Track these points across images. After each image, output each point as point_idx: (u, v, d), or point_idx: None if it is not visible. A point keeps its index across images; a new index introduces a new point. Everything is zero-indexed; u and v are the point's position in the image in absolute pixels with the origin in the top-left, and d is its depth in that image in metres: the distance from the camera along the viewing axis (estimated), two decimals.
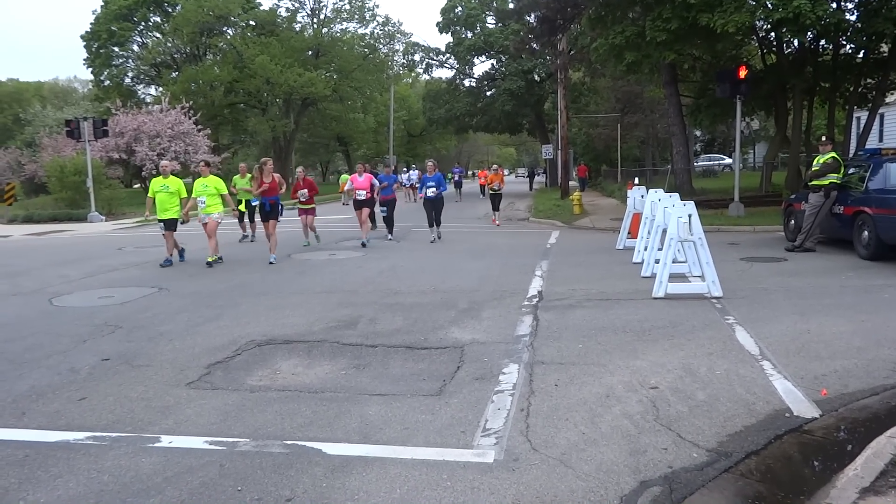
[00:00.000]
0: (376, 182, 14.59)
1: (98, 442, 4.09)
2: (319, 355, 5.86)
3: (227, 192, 12.05)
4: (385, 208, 15.33)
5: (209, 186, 11.84)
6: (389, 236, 15.38)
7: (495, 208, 19.81)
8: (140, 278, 10.41)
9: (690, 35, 17.20)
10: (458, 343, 6.09)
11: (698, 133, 48.31)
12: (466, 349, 5.88)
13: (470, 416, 4.32)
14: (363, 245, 13.71)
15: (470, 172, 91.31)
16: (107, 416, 4.51)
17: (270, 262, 11.38)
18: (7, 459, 3.86)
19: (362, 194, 14.28)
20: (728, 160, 45.40)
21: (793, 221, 12.53)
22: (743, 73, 17.21)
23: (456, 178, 38.41)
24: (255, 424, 4.30)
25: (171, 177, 11.99)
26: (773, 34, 19.97)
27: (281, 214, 11.98)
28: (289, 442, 4.01)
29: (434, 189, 14.82)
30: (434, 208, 14.94)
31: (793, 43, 20.23)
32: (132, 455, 3.88)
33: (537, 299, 8.04)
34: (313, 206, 14.13)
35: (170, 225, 11.86)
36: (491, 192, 19.94)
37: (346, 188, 14.22)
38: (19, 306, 8.44)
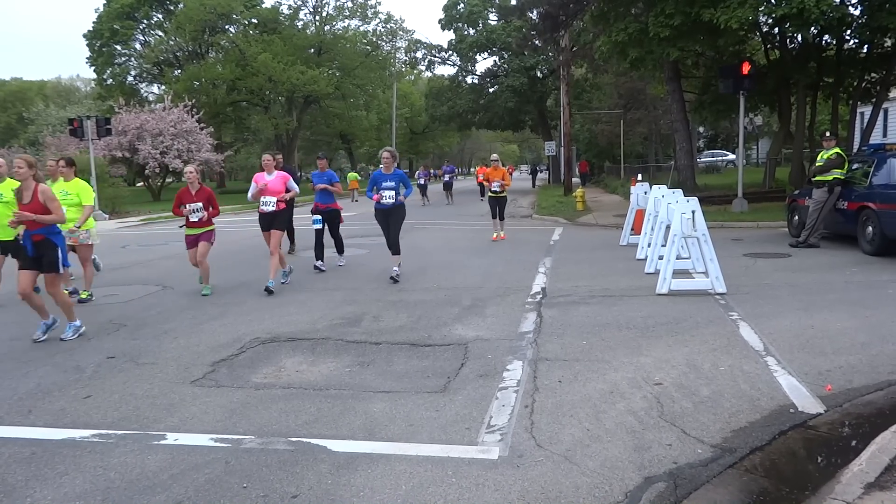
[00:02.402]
0: (294, 185, 9.65)
1: (104, 440, 4.10)
2: (324, 353, 5.87)
3: (92, 202, 8.70)
4: (319, 218, 10.51)
5: (70, 194, 8.50)
6: (340, 261, 11.01)
7: (497, 216, 14.36)
8: (144, 276, 10.43)
9: (693, 31, 17.17)
10: (462, 340, 6.10)
11: (701, 129, 48.24)
12: (470, 346, 5.89)
13: (474, 413, 4.33)
14: (267, 291, 8.56)
15: (471, 170, 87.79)
16: (112, 414, 4.52)
17: (34, 340, 6.52)
18: (14, 457, 3.88)
19: (270, 204, 9.11)
20: (731, 156, 45.34)
21: (797, 217, 12.51)
22: (746, 68, 17.17)
23: (446, 178, 31.51)
24: (261, 422, 4.31)
25: (9, 180, 8.21)
26: (776, 29, 19.90)
27: (64, 265, 6.74)
28: (294, 439, 4.02)
29: (392, 194, 9.42)
30: (390, 223, 9.58)
31: (796, 38, 20.16)
32: (138, 452, 3.90)
33: (541, 296, 8.05)
34: (211, 228, 8.86)
35: (9, 249, 8.16)
36: (491, 194, 14.41)
37: (250, 193, 9.36)
38: (24, 305, 8.45)
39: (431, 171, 33.35)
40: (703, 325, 6.37)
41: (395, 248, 9.63)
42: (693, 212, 7.90)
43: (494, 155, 14.90)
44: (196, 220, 8.69)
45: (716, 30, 16.19)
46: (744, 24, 16.19)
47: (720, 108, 24.04)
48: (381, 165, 9.69)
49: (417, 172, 32.74)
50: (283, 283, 9.20)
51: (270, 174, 9.27)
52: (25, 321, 7.43)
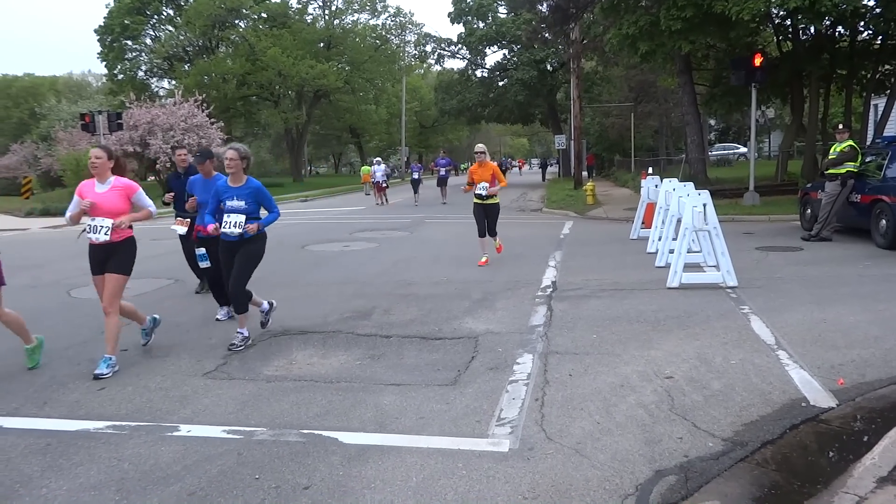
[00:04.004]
0: (144, 202, 5.70)
1: (118, 431, 4.15)
2: (334, 345, 5.90)
3: None
4: (204, 252, 6.88)
5: None
6: (220, 313, 7.14)
7: (484, 231, 10.12)
8: (155, 270, 10.50)
9: (705, 23, 17.01)
10: (473, 333, 6.11)
11: (713, 122, 47.93)
12: (481, 339, 5.90)
13: (485, 406, 4.34)
14: (96, 377, 5.19)
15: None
16: (126, 406, 4.57)
17: None
18: (30, 448, 3.93)
19: (101, 230, 5.48)
20: (743, 149, 45.00)
21: (809, 210, 12.42)
22: (758, 60, 17.02)
23: (442, 172, 26.54)
24: (272, 414, 4.34)
25: None
26: (788, 21, 19.72)
27: None
28: (305, 431, 4.05)
29: (240, 220, 5.85)
30: (238, 262, 5.94)
31: (809, 29, 19.97)
32: (151, 444, 3.93)
33: (551, 290, 8.04)
34: None
35: None
36: (476, 199, 10.03)
37: (68, 213, 5.71)
38: (38, 298, 8.55)
39: (441, 162, 28.01)
40: (715, 319, 6.34)
41: (240, 297, 5.98)
42: (704, 205, 7.86)
43: (480, 145, 10.27)
44: None
45: (728, 22, 16.05)
46: (756, 15, 16.03)
47: (732, 101, 23.85)
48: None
49: (411, 166, 29.84)
50: (143, 344, 6.08)
51: (104, 182, 5.57)
52: (36, 316, 7.51)
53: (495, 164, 11.02)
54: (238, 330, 6.02)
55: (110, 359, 5.36)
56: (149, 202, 5.73)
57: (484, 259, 10.09)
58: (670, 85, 30.79)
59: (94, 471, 3.62)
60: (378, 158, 30.98)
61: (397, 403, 4.44)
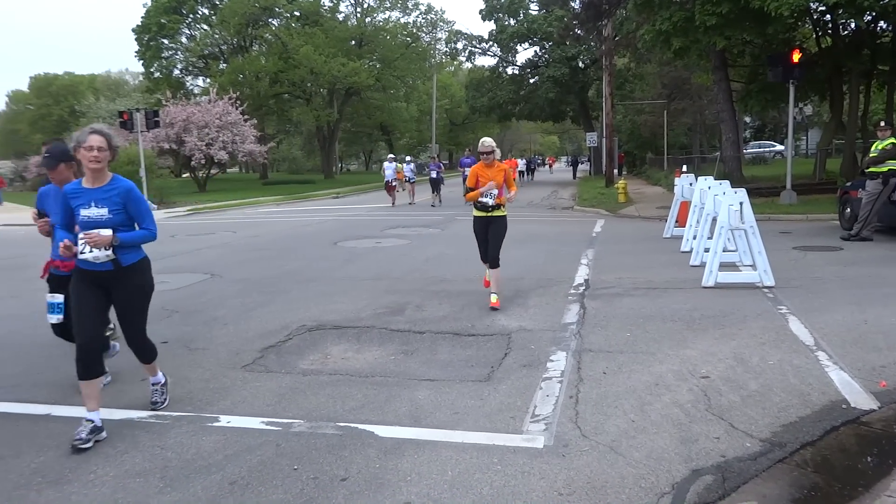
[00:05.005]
0: None
1: (160, 420, 4.26)
2: (368, 341, 5.96)
3: None
4: (61, 301, 4.54)
5: None
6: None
7: (487, 258, 7.40)
8: (193, 265, 10.71)
9: (741, 18, 16.73)
10: (505, 330, 6.12)
11: (748, 119, 47.05)
12: (513, 336, 5.91)
13: (519, 402, 4.36)
14: None
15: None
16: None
17: None
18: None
19: None
20: (779, 147, 44.15)
21: (848, 209, 12.15)
22: (796, 56, 16.70)
23: (467, 172, 19.37)
24: (309, 407, 4.41)
25: None
26: (828, 16, 19.29)
27: None
28: (342, 424, 4.11)
29: (106, 236, 3.89)
30: (125, 305, 4.20)
31: (849, 25, 19.50)
32: (193, 433, 4.03)
33: (584, 287, 8.01)
34: None
35: None
36: (477, 211, 7.37)
37: None
38: None
39: (466, 161, 24.70)
40: (751, 319, 6.26)
41: (145, 347, 4.41)
42: (741, 203, 7.76)
43: (487, 141, 7.19)
44: None
45: (765, 17, 15.76)
46: (794, 11, 15.71)
47: (768, 98, 23.39)
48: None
49: (429, 165, 26.78)
50: None
51: None
52: None
53: (508, 164, 8.93)
54: (152, 381, 4.51)
55: None
56: None
57: (495, 300, 7.09)
58: (705, 82, 30.30)
59: (139, 458, 3.73)
60: (391, 156, 28.92)
61: (432, 398, 4.48)
